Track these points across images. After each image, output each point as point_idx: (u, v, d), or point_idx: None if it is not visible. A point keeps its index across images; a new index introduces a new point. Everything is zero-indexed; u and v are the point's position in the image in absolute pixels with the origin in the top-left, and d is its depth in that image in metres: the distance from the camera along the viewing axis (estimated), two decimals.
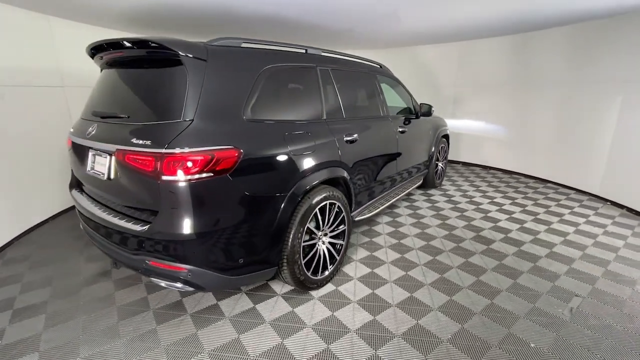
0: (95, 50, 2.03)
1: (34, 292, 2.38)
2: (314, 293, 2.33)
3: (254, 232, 1.85)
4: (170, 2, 3.18)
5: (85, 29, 3.96)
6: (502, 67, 5.40)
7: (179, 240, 1.62)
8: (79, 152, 2.10)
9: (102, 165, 1.88)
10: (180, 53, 1.68)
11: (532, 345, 1.85)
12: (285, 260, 2.05)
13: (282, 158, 1.96)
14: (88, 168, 2.01)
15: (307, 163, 2.12)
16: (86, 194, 2.24)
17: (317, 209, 2.19)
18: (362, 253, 2.88)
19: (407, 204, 4.14)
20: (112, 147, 1.73)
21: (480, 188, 4.85)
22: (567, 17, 3.97)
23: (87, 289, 2.41)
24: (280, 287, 2.39)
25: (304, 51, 2.47)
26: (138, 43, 1.74)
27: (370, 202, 3.08)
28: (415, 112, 3.86)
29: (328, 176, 2.28)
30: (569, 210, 3.93)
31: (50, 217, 3.67)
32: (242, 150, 1.73)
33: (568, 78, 4.56)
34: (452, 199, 4.35)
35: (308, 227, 2.15)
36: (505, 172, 5.77)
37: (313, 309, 2.16)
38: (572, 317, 2.08)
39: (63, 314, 2.14)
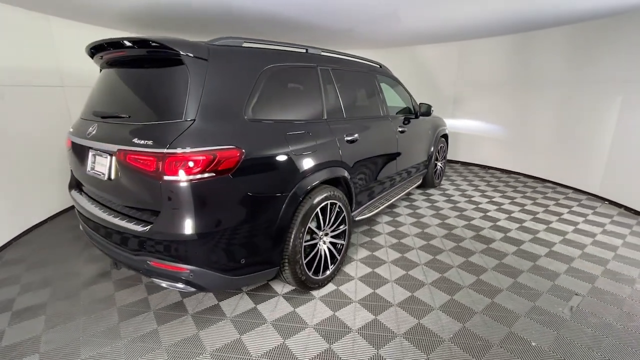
0: (95, 49, 2.02)
1: (33, 293, 2.36)
2: (315, 293, 2.33)
3: (256, 232, 1.85)
4: (170, 1, 3.17)
5: (85, 29, 3.95)
6: (502, 67, 5.41)
7: (181, 241, 1.61)
8: (79, 153, 2.09)
9: (102, 165, 1.87)
10: (182, 53, 1.67)
11: (533, 344, 1.86)
12: (286, 261, 2.05)
13: (283, 158, 1.96)
14: (88, 168, 2.00)
15: (309, 163, 2.12)
16: (86, 194, 2.23)
17: (318, 209, 2.19)
18: (362, 253, 2.88)
19: (406, 203, 4.15)
20: (113, 147, 1.72)
21: (479, 187, 4.86)
22: (567, 17, 3.98)
23: (87, 290, 2.40)
24: (281, 287, 2.39)
25: (304, 51, 2.47)
26: (139, 42, 1.73)
27: (371, 201, 3.08)
28: (415, 112, 3.87)
29: (329, 176, 2.28)
30: (568, 210, 3.95)
31: (49, 218, 3.65)
32: (243, 150, 1.72)
33: (568, 78, 4.57)
34: (451, 198, 4.36)
35: (309, 227, 2.15)
36: (504, 171, 5.79)
37: (314, 309, 2.16)
38: (573, 316, 2.09)
39: (63, 315, 2.13)
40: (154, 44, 1.69)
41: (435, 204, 4.12)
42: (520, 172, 5.53)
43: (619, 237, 3.21)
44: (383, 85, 3.45)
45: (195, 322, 2.04)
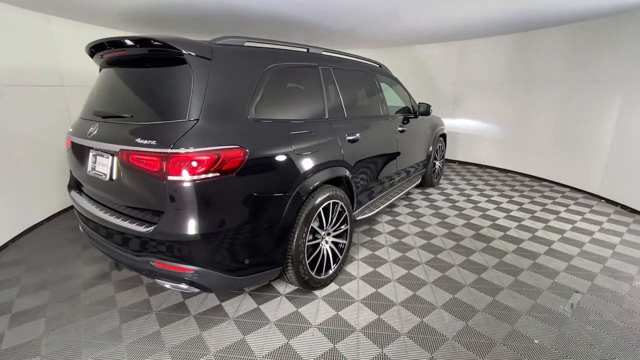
0: (96, 49, 1.99)
1: (33, 295, 2.34)
2: (317, 293, 2.32)
3: (259, 232, 1.84)
4: (170, 1, 3.15)
5: (85, 29, 3.93)
6: (501, 67, 5.43)
7: (185, 241, 1.60)
8: (79, 153, 2.07)
9: (103, 165, 1.85)
10: (185, 52, 1.66)
11: (536, 341, 1.87)
12: (290, 260, 2.05)
13: (286, 157, 1.95)
14: (89, 169, 1.98)
15: (311, 162, 2.12)
16: (86, 195, 2.20)
17: (320, 209, 2.18)
18: (363, 252, 2.89)
19: (405, 203, 4.16)
20: (115, 147, 1.70)
21: (477, 187, 4.89)
22: (567, 17, 4.00)
23: (87, 291, 2.38)
24: (283, 287, 2.38)
25: (305, 50, 2.46)
26: (141, 41, 1.71)
27: (371, 201, 3.09)
28: (414, 112, 3.89)
29: (331, 175, 2.28)
30: (565, 208, 3.99)
31: (48, 218, 3.63)
32: (247, 150, 1.71)
33: (568, 77, 4.58)
34: (450, 197, 4.39)
35: (312, 227, 2.15)
36: (501, 170, 5.83)
37: (317, 309, 2.16)
38: (573, 313, 2.11)
39: (63, 317, 2.10)
40: (156, 43, 1.67)
41: (434, 203, 4.14)
42: (518, 171, 5.57)
43: (616, 235, 3.24)
44: (383, 85, 3.46)
45: (198, 323, 2.03)
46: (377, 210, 3.11)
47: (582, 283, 2.44)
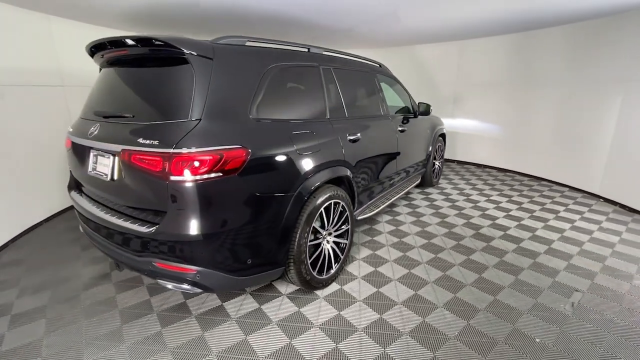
0: (96, 48, 1.98)
1: (33, 296, 2.32)
2: (319, 292, 2.32)
3: (262, 233, 1.84)
4: (170, 1, 3.14)
5: (85, 29, 3.93)
6: (502, 67, 5.43)
7: (188, 241, 1.59)
8: (79, 153, 2.05)
9: (105, 166, 1.84)
10: (187, 51, 1.66)
11: (537, 340, 1.88)
12: (292, 260, 2.05)
13: (288, 157, 1.95)
14: (89, 169, 1.97)
15: (313, 162, 2.12)
16: (86, 195, 2.19)
17: (322, 209, 2.18)
18: (364, 252, 2.89)
19: (405, 202, 4.17)
20: (117, 148, 1.70)
21: (476, 186, 4.91)
22: (568, 16, 4.00)
23: (87, 292, 2.36)
24: (284, 287, 2.38)
25: (306, 50, 2.46)
26: (142, 41, 1.71)
27: (372, 201, 3.09)
28: (414, 111, 3.89)
29: (333, 175, 2.28)
30: (564, 207, 4.01)
31: (48, 218, 3.62)
32: (249, 150, 1.71)
33: (568, 77, 4.59)
34: (450, 197, 4.40)
35: (313, 227, 2.15)
36: (500, 170, 5.85)
37: (319, 309, 2.16)
38: (574, 312, 2.12)
39: (64, 318, 2.09)
40: (157, 43, 1.66)
41: (434, 203, 4.15)
42: (517, 170, 5.58)
43: (615, 234, 3.26)
44: (383, 85, 3.46)
45: (200, 324, 2.03)
46: (377, 210, 3.11)
47: (582, 282, 2.45)
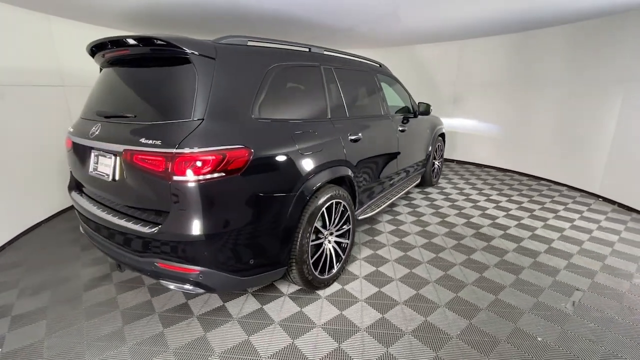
0: (97, 48, 1.97)
1: (33, 297, 2.31)
2: (320, 292, 2.32)
3: (264, 233, 1.84)
4: (170, 1, 3.14)
5: (86, 29, 3.92)
6: (502, 66, 5.43)
7: (191, 242, 1.59)
8: (80, 153, 2.04)
9: (106, 166, 1.83)
10: (189, 51, 1.65)
11: (539, 339, 1.89)
12: (294, 260, 2.04)
13: (291, 157, 1.95)
14: (90, 169, 1.96)
15: (315, 162, 2.11)
16: (86, 195, 2.18)
17: (324, 208, 2.18)
18: (365, 252, 2.89)
19: (405, 202, 4.17)
20: (119, 148, 1.69)
21: (476, 186, 4.92)
22: (568, 16, 4.00)
23: (88, 293, 2.35)
24: (286, 287, 2.38)
25: (307, 50, 2.46)
26: (144, 41, 1.70)
27: (373, 200, 3.09)
28: (414, 111, 3.90)
29: (335, 175, 2.28)
30: (563, 207, 4.02)
31: (48, 218, 3.61)
32: (252, 150, 1.71)
33: (568, 77, 4.59)
34: (450, 196, 4.41)
35: (315, 227, 2.15)
36: (499, 169, 5.86)
37: (321, 309, 2.16)
38: (575, 311, 2.13)
39: (65, 320, 2.08)
40: (159, 43, 1.66)
41: (434, 203, 4.16)
42: (516, 170, 5.60)
43: (614, 233, 3.28)
44: (383, 85, 3.46)
45: (202, 324, 2.02)
46: (378, 210, 3.11)
47: (583, 281, 2.46)
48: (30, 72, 3.28)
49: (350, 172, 2.49)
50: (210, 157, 1.55)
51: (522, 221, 3.58)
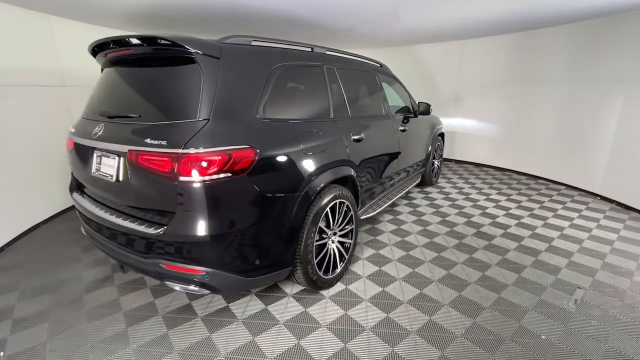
0: (99, 48, 1.96)
1: (34, 299, 2.28)
2: (324, 292, 2.32)
3: (270, 233, 1.83)
4: (171, 1, 3.12)
5: (86, 29, 3.89)
6: (502, 66, 5.44)
7: (197, 242, 1.58)
8: (82, 154, 2.03)
9: (109, 166, 1.82)
10: (193, 51, 1.64)
11: (543, 337, 1.90)
12: (298, 261, 2.04)
13: (295, 157, 1.95)
14: (93, 170, 1.94)
15: (319, 162, 2.11)
16: (88, 196, 2.16)
17: (327, 208, 2.18)
18: (368, 251, 2.89)
19: (406, 201, 4.18)
20: (123, 148, 1.68)
21: (475, 185, 4.94)
22: (569, 16, 4.01)
23: (89, 294, 2.33)
24: (290, 288, 2.37)
25: (310, 50, 2.46)
26: (148, 40, 1.69)
27: (374, 200, 3.10)
28: (414, 111, 3.91)
29: (338, 175, 2.28)
30: (562, 206, 4.06)
31: (49, 218, 3.58)
32: (258, 150, 1.70)
33: (569, 77, 4.60)
34: (449, 196, 4.42)
35: (319, 227, 2.14)
36: (498, 169, 5.90)
37: (325, 309, 2.15)
38: (578, 309, 2.14)
39: (67, 322, 2.06)
40: (164, 42, 1.65)
41: (435, 202, 4.17)
42: (516, 170, 5.62)
43: (613, 232, 3.31)
44: (384, 84, 3.47)
45: (206, 325, 2.01)
46: (379, 210, 3.12)
47: (584, 279, 2.48)
48: (31, 72, 3.26)
49: (353, 172, 2.49)
50: (216, 158, 1.55)
51: (522, 220, 3.60)
